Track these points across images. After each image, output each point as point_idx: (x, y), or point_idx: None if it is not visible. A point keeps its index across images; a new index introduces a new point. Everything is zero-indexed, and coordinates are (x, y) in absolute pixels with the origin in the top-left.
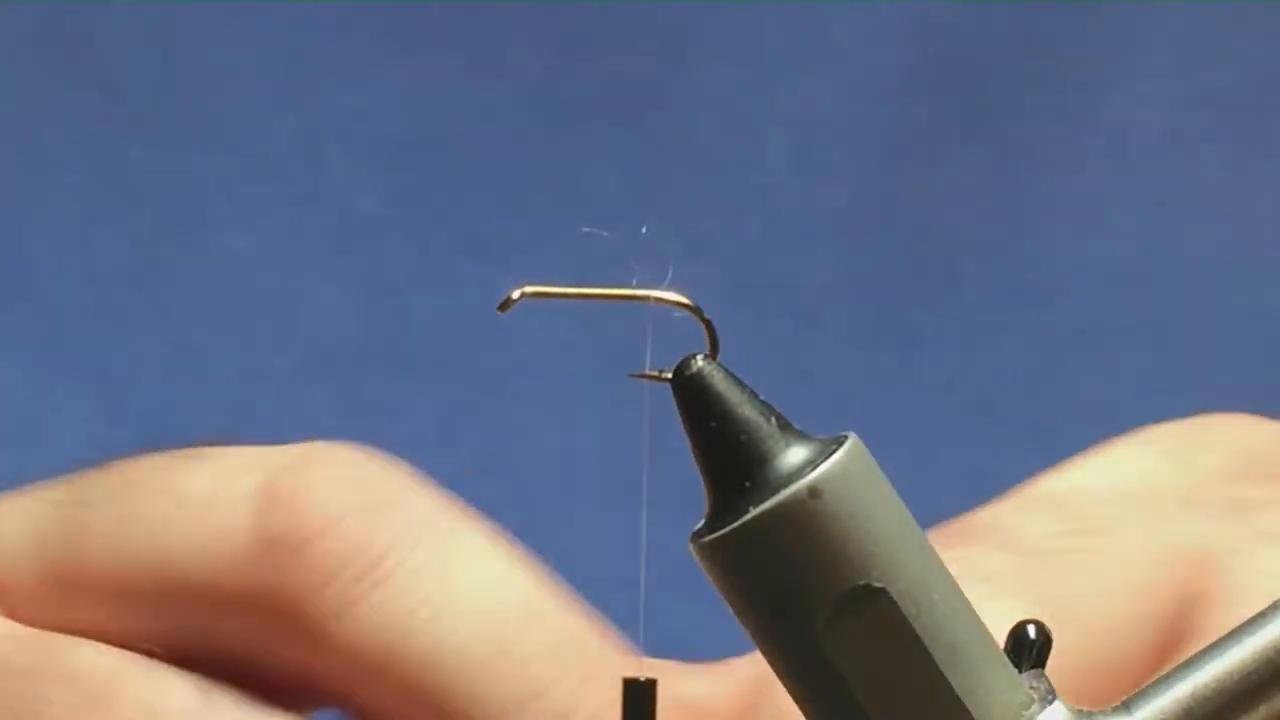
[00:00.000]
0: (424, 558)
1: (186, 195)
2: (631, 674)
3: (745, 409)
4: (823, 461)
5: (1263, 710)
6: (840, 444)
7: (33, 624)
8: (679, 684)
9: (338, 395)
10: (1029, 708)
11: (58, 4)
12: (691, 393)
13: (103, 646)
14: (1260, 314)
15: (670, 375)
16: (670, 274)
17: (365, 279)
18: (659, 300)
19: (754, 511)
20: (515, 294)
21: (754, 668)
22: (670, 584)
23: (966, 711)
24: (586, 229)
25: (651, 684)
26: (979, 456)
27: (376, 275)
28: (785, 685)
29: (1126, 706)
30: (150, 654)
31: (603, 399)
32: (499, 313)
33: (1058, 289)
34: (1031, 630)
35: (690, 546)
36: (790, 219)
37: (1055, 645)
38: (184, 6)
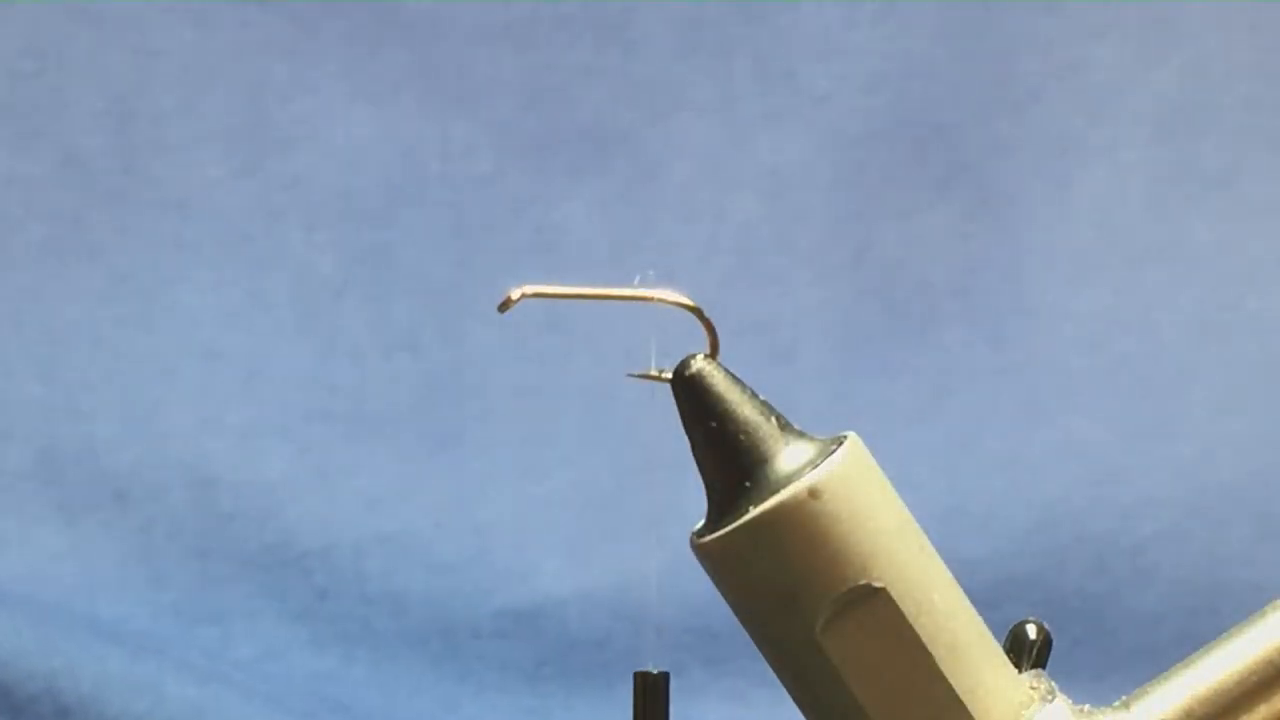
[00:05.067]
0: None
1: (144, 255)
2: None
3: (745, 409)
4: (823, 461)
5: (1262, 710)
6: (840, 444)
7: None
8: None
9: (293, 452)
10: (1029, 707)
11: (19, 75)
12: (691, 392)
13: None
14: (1235, 366)
15: (670, 375)
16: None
17: (322, 338)
18: (660, 300)
19: (754, 511)
20: (515, 294)
21: None
22: None
23: (966, 711)
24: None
25: (664, 676)
26: (949, 492)
27: (333, 334)
28: (785, 685)
29: (1126, 705)
30: None
31: (563, 453)
32: (499, 313)
33: (1034, 335)
34: (1031, 630)
35: (691, 545)
36: (763, 259)
37: None
38: (142, 73)
